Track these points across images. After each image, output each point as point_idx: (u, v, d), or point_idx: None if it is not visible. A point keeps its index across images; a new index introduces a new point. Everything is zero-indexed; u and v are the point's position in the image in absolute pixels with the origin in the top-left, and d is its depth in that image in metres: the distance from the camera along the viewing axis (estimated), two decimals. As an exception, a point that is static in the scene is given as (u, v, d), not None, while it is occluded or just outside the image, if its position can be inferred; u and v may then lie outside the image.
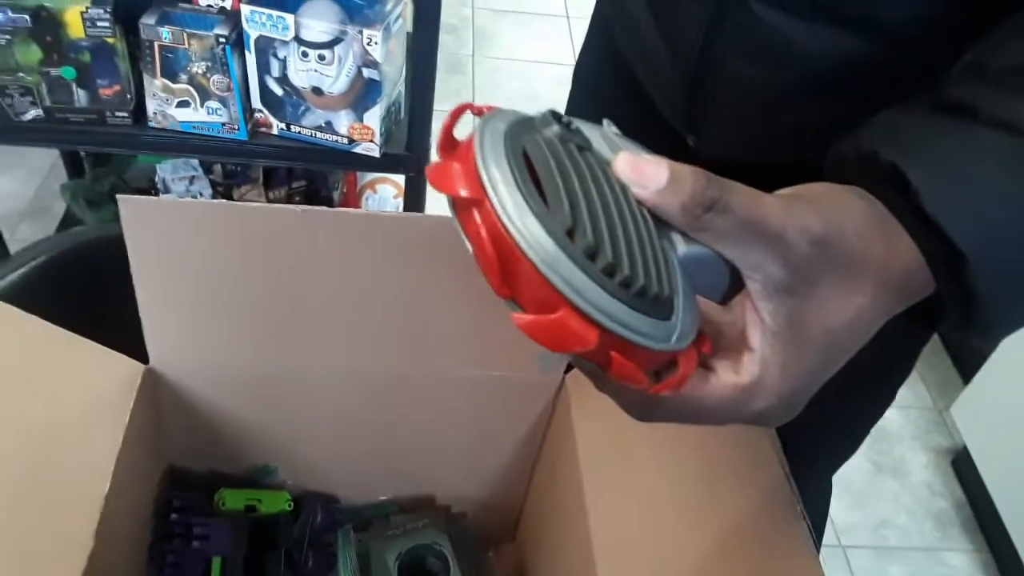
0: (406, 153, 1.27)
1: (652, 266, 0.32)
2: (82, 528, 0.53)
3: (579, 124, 0.36)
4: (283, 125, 1.23)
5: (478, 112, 0.35)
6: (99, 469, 0.56)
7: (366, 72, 1.14)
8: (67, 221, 1.76)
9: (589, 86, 0.84)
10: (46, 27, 1.10)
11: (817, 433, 0.64)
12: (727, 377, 0.37)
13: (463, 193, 0.31)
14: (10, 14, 1.08)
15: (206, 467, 0.76)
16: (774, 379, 0.37)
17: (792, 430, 0.48)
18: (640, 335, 0.32)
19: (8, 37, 1.10)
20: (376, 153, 1.23)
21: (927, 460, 1.87)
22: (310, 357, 0.66)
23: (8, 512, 0.53)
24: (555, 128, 0.35)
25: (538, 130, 0.35)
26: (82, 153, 1.71)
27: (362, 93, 1.17)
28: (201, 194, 1.54)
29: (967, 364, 1.91)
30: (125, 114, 1.20)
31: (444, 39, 1.38)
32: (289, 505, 0.76)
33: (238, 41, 1.14)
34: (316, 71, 1.15)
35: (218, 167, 1.55)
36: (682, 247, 0.35)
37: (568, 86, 0.87)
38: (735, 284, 0.37)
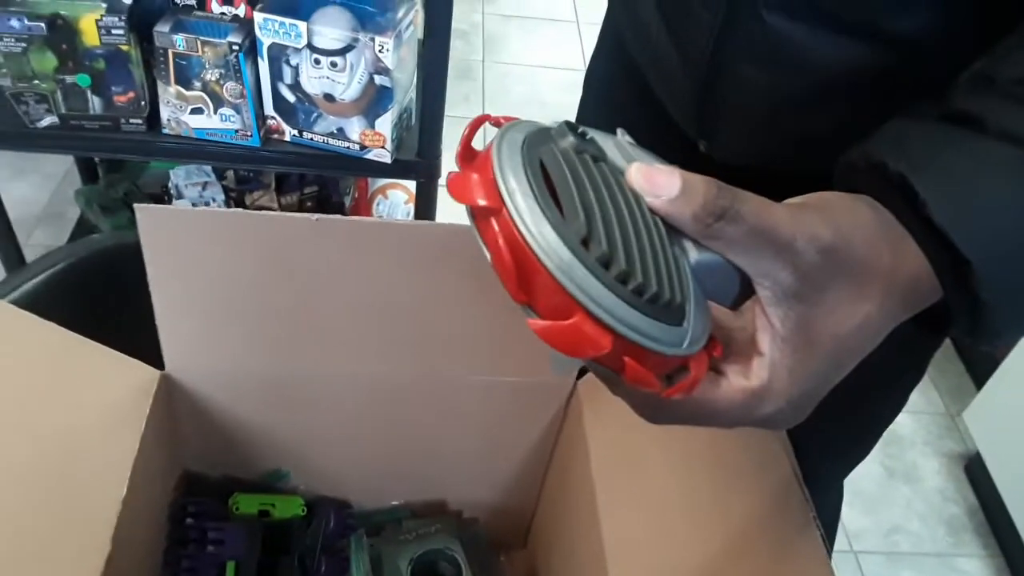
0: (417, 159, 1.27)
1: (664, 273, 0.33)
2: (99, 533, 0.53)
3: (594, 134, 0.37)
4: (295, 131, 1.24)
5: (496, 123, 0.36)
6: (116, 474, 0.56)
7: (378, 79, 1.15)
8: (81, 226, 1.77)
9: (601, 92, 0.84)
10: (61, 35, 1.11)
11: (827, 436, 0.64)
12: (737, 381, 0.38)
13: (481, 202, 0.32)
14: (26, 22, 1.09)
15: (220, 472, 0.77)
16: (783, 383, 0.37)
17: (802, 433, 0.48)
18: (653, 340, 0.32)
19: (24, 45, 1.11)
20: (388, 159, 1.24)
21: (939, 465, 1.86)
22: (323, 363, 0.67)
23: (27, 517, 0.53)
24: (570, 139, 0.35)
25: (554, 141, 0.35)
26: (96, 159, 1.73)
27: (374, 100, 1.17)
28: (214, 200, 1.55)
29: (979, 369, 1.91)
30: (139, 121, 1.21)
31: (454, 44, 1.38)
32: (302, 510, 0.76)
33: (251, 48, 1.15)
34: (328, 78, 1.16)
35: (231, 173, 1.56)
36: (694, 254, 0.36)
37: (578, 91, 0.87)
38: (745, 290, 0.37)
